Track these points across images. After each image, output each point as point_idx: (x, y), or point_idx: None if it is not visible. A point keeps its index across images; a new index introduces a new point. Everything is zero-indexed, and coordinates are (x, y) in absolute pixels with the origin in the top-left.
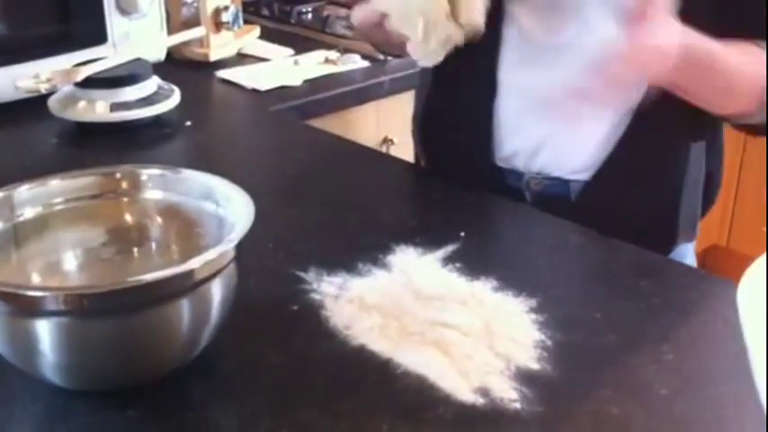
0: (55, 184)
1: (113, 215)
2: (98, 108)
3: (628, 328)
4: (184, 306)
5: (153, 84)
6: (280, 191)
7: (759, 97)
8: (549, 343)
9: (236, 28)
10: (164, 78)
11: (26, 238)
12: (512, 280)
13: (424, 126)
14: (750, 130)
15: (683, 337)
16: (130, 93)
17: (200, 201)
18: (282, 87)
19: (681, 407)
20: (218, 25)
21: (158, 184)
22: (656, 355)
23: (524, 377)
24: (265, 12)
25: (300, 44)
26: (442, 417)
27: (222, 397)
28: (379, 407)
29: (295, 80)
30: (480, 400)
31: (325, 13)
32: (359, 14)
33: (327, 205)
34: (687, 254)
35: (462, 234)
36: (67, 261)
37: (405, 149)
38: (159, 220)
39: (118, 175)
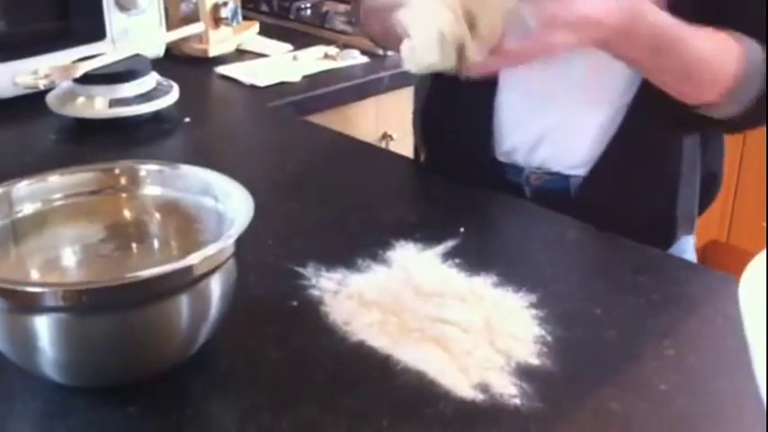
0: (54, 180)
1: (112, 211)
2: (97, 104)
3: (628, 324)
4: (183, 302)
5: (152, 80)
6: (279, 187)
7: (723, 89)
8: (549, 338)
9: (234, 24)
10: (162, 74)
11: (25, 234)
12: (512, 276)
13: (425, 121)
14: (724, 126)
15: (683, 332)
16: (129, 89)
17: (199, 196)
18: (281, 83)
19: (681, 402)
20: (217, 21)
21: (157, 180)
22: (657, 351)
23: (524, 373)
24: (264, 7)
25: (299, 40)
26: (442, 413)
27: (221, 393)
28: (378, 403)
29: (294, 76)
30: (480, 396)
31: (325, 8)
32: None
33: (327, 201)
34: (687, 248)
35: (462, 230)
36: (66, 257)
37: (404, 145)
38: (158, 215)
39: (117, 171)
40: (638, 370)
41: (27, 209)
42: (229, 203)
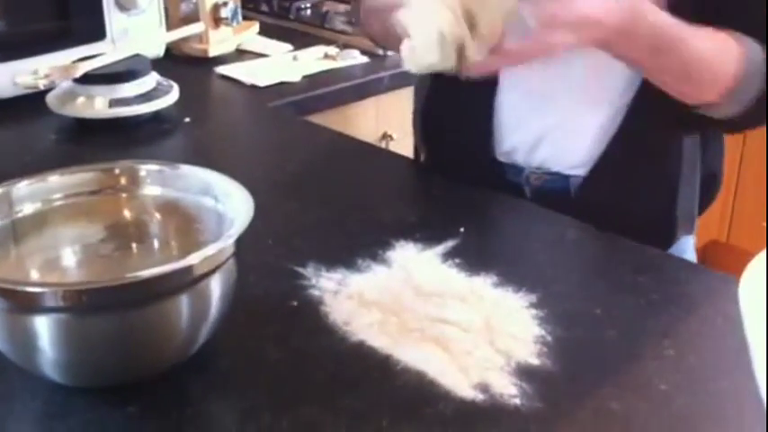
0: (54, 180)
1: (112, 211)
2: (97, 104)
3: (628, 324)
4: (183, 302)
5: (152, 80)
6: (279, 187)
7: (723, 89)
8: (549, 338)
9: (234, 24)
10: (162, 74)
11: (25, 234)
12: (512, 276)
13: (425, 120)
14: (724, 126)
15: (683, 332)
16: (129, 89)
17: (199, 196)
18: (281, 83)
19: (681, 402)
20: (217, 21)
21: (157, 180)
22: (657, 351)
23: (524, 373)
24: (264, 7)
25: (299, 40)
26: (442, 413)
27: (221, 393)
28: (378, 403)
29: (294, 76)
30: (480, 396)
31: (324, 8)
32: None
33: (327, 201)
34: (687, 248)
35: (462, 230)
36: (66, 257)
37: (404, 145)
38: (158, 215)
39: (116, 171)
40: (638, 370)
41: (27, 209)
42: (229, 203)
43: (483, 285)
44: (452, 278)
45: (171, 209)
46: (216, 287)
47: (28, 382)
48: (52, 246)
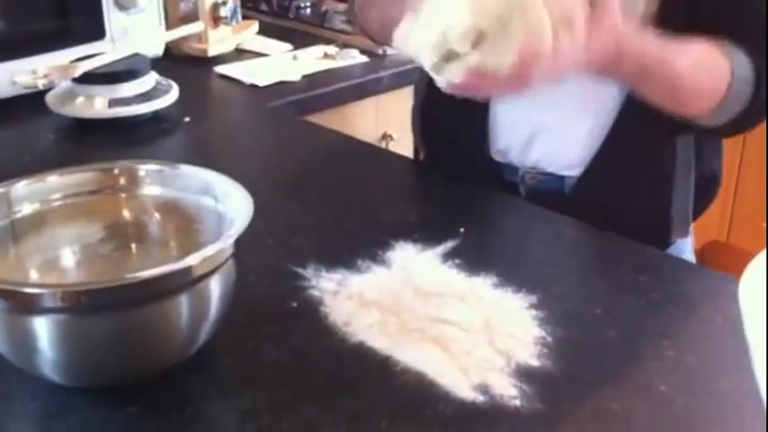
0: (53, 179)
1: (111, 211)
2: (96, 104)
3: (628, 324)
4: (183, 302)
5: (151, 79)
6: (279, 186)
7: (709, 105)
8: (549, 339)
9: (234, 23)
10: (162, 74)
11: (24, 235)
12: (511, 276)
13: (424, 118)
14: (711, 132)
15: (683, 332)
16: (129, 88)
17: (198, 196)
18: (281, 83)
19: (681, 403)
20: (217, 20)
21: (156, 180)
22: (657, 351)
23: (524, 374)
24: (264, 7)
25: (299, 39)
26: (442, 413)
27: (221, 393)
28: (378, 403)
29: (294, 75)
30: (480, 397)
31: (324, 8)
32: None
33: (326, 201)
34: (685, 250)
35: (462, 230)
36: (65, 257)
37: (404, 145)
38: (157, 215)
39: (116, 171)
40: (638, 370)
41: (26, 209)
42: (229, 203)
43: (483, 286)
44: (452, 279)
45: (170, 209)
46: (215, 287)
47: (27, 382)
48: (51, 246)
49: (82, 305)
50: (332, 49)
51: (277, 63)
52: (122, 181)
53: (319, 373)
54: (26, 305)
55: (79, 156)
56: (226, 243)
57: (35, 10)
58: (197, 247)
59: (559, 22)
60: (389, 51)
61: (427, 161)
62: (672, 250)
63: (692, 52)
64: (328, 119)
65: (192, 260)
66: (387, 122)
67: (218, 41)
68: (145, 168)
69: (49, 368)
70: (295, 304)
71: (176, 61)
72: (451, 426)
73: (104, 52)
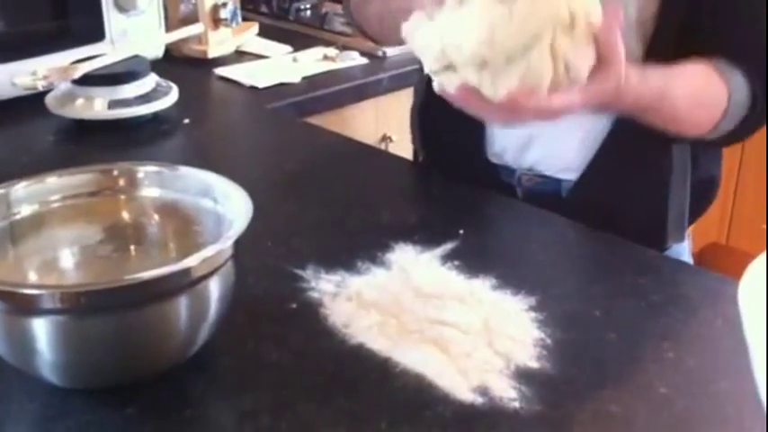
0: (52, 181)
1: (110, 212)
2: (96, 105)
3: (627, 326)
4: (182, 304)
5: (151, 81)
6: (278, 188)
7: (706, 130)
8: (548, 341)
9: (234, 25)
10: (162, 75)
11: (23, 236)
12: (511, 278)
13: (422, 119)
14: (710, 144)
15: (682, 334)
16: (128, 90)
17: (197, 198)
18: (281, 84)
19: (681, 405)
20: (217, 22)
21: (156, 182)
22: (657, 353)
23: (523, 376)
24: (264, 9)
25: (299, 41)
26: (441, 415)
27: (220, 394)
28: (377, 405)
29: (293, 77)
30: (479, 399)
31: (324, 9)
32: None
33: (326, 203)
34: (682, 254)
35: (461, 232)
36: (64, 259)
37: (404, 147)
38: (157, 217)
39: (115, 173)
40: (637, 372)
41: (25, 210)
42: (228, 205)
43: (482, 287)
44: (452, 280)
45: (170, 210)
46: (215, 289)
47: (26, 383)
48: (50, 247)
49: (81, 306)
50: (332, 51)
51: (277, 65)
52: (122, 182)
53: (319, 375)
54: (25, 306)
55: (78, 157)
56: (225, 244)
57: (35, 11)
58: (196, 248)
59: (563, 67)
60: (389, 53)
61: (426, 162)
62: (668, 254)
63: (690, 82)
64: (328, 121)
65: (192, 261)
66: (386, 124)
67: (218, 43)
68: (144, 170)
69: (47, 369)
70: (294, 305)
71: (176, 63)
72: (451, 427)
73: (104, 54)
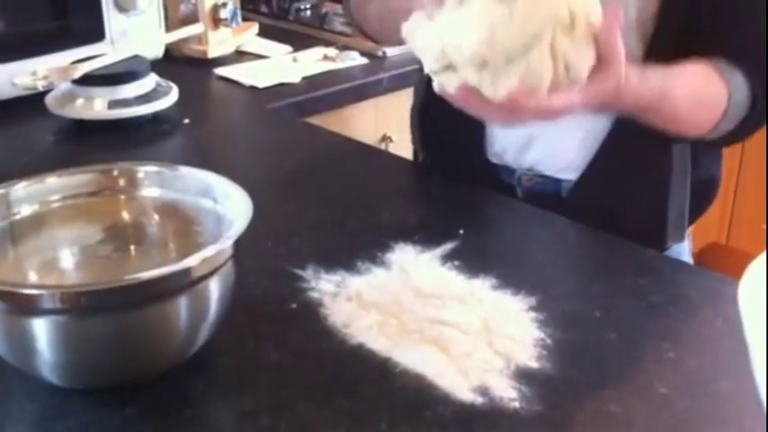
0: (52, 181)
1: (110, 212)
2: (96, 105)
3: (628, 326)
4: (182, 304)
5: (151, 81)
6: (278, 188)
7: (706, 130)
8: (548, 341)
9: (234, 25)
10: (162, 75)
11: (23, 236)
12: (511, 278)
13: (422, 119)
14: (710, 144)
15: (683, 334)
16: (128, 90)
17: (197, 198)
18: (281, 84)
19: (681, 405)
20: (217, 22)
21: (156, 182)
22: (657, 354)
23: (524, 376)
24: (264, 9)
25: (299, 41)
26: (441, 415)
27: (220, 394)
28: (377, 405)
29: (293, 77)
30: (479, 399)
31: (324, 9)
32: None
33: (326, 203)
34: (682, 254)
35: (461, 232)
36: (64, 259)
37: (404, 147)
38: (157, 217)
39: (115, 173)
40: (637, 372)
41: (25, 210)
42: (228, 205)
43: (482, 287)
44: (451, 280)
45: (170, 210)
46: (215, 289)
47: (26, 383)
48: (50, 247)
49: (81, 306)
50: (332, 51)
51: (277, 65)
52: (121, 182)
53: (319, 375)
54: (25, 306)
55: (78, 157)
56: (225, 244)
57: (35, 11)
58: (196, 248)
59: (563, 67)
60: (389, 53)
61: (426, 162)
62: (668, 255)
63: (690, 82)
64: (328, 121)
65: (192, 261)
66: (386, 124)
67: (218, 43)
68: (144, 170)
69: (47, 369)
70: (294, 305)
71: (176, 63)
72: (451, 427)
73: (104, 54)
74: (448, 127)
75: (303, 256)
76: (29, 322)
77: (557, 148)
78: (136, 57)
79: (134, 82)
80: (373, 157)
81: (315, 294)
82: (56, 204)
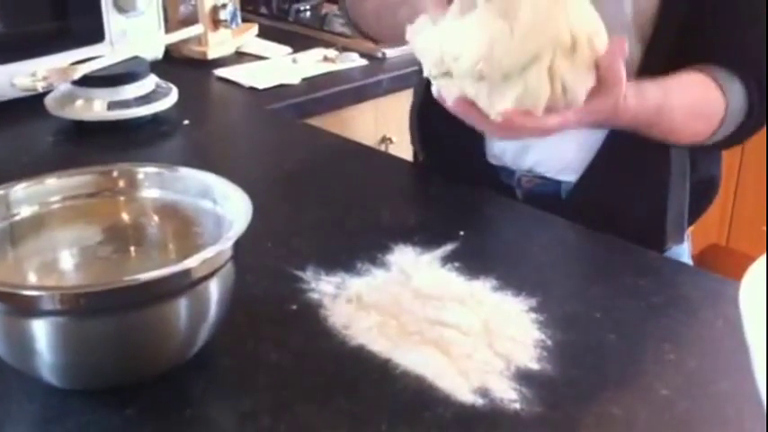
0: (51, 182)
1: (110, 213)
2: (95, 106)
3: (628, 328)
4: (182, 305)
5: (151, 82)
6: (278, 189)
7: (703, 139)
8: (549, 342)
9: (234, 26)
10: (161, 77)
11: (22, 237)
12: (511, 279)
13: (421, 120)
14: (707, 148)
15: (683, 336)
16: (128, 91)
17: (197, 199)
18: (281, 86)
19: (682, 406)
20: (216, 23)
21: (155, 183)
22: (657, 355)
23: (524, 377)
24: (263, 10)
25: (299, 42)
26: (441, 417)
27: (220, 395)
28: (377, 407)
29: (293, 78)
30: (480, 401)
31: (324, 11)
32: None
33: (326, 204)
34: (681, 255)
35: (461, 233)
36: (64, 260)
37: (404, 148)
38: (156, 218)
39: (115, 174)
40: (638, 374)
41: (24, 211)
42: (228, 206)
43: (482, 289)
44: (452, 281)
45: (169, 211)
46: (214, 290)
47: (25, 384)
48: (50, 248)
49: (81, 308)
50: (331, 53)
51: (276, 66)
52: (121, 183)
53: (319, 376)
54: (25, 308)
55: (78, 158)
56: (225, 245)
57: (34, 12)
58: (196, 249)
59: (560, 89)
60: (389, 54)
61: (425, 163)
62: (667, 256)
63: (687, 95)
64: (328, 122)
65: (191, 262)
66: (386, 125)
67: (218, 44)
68: (143, 171)
69: (47, 371)
70: (294, 307)
71: (176, 64)
72: (451, 429)
73: (104, 55)
74: (447, 128)
75: (303, 256)
76: (28, 323)
77: (556, 150)
78: (135, 58)
79: (134, 83)
80: (373, 158)
81: (315, 295)
82: (55, 205)
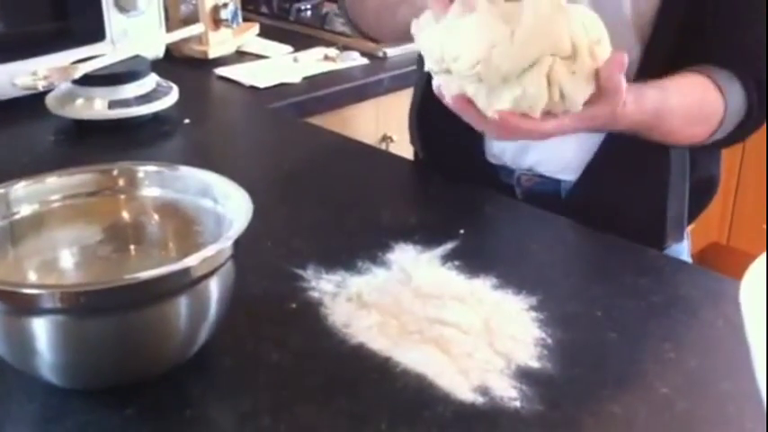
0: (52, 181)
1: (110, 212)
2: (96, 105)
3: (628, 326)
4: (182, 304)
5: (151, 81)
6: (278, 188)
7: (702, 141)
8: (549, 341)
9: (234, 25)
10: (162, 76)
11: (23, 236)
12: (511, 278)
13: (420, 119)
14: (706, 148)
15: (683, 335)
16: (129, 90)
17: (197, 198)
18: (281, 85)
19: (682, 405)
20: (217, 22)
21: (156, 182)
22: (657, 354)
23: (524, 375)
24: (264, 9)
25: (299, 41)
26: (442, 415)
27: (220, 395)
28: (377, 405)
29: (294, 77)
30: (480, 399)
31: (324, 10)
32: None
33: (326, 203)
34: (681, 254)
35: (462, 232)
36: (64, 259)
37: (404, 147)
38: (156, 217)
39: (115, 173)
40: (638, 373)
41: (25, 210)
42: (228, 205)
43: (483, 287)
44: (452, 280)
45: (169, 210)
46: (215, 289)
47: (25, 383)
48: (50, 247)
49: (81, 306)
50: (332, 52)
51: (277, 65)
52: (121, 182)
53: (319, 375)
54: (25, 306)
55: (78, 157)
56: (225, 244)
57: (35, 11)
58: (196, 248)
59: (558, 94)
60: (390, 54)
61: (425, 162)
62: (667, 254)
63: (686, 99)
64: (328, 121)
65: (192, 261)
66: (387, 124)
67: (219, 43)
68: (144, 170)
69: (47, 370)
70: (294, 305)
71: (176, 63)
72: (451, 427)
73: (104, 54)
74: (446, 127)
75: (303, 255)
76: (28, 322)
77: (556, 150)
78: (136, 57)
79: (134, 82)
80: (373, 157)
81: (315, 294)
82: (56, 204)
